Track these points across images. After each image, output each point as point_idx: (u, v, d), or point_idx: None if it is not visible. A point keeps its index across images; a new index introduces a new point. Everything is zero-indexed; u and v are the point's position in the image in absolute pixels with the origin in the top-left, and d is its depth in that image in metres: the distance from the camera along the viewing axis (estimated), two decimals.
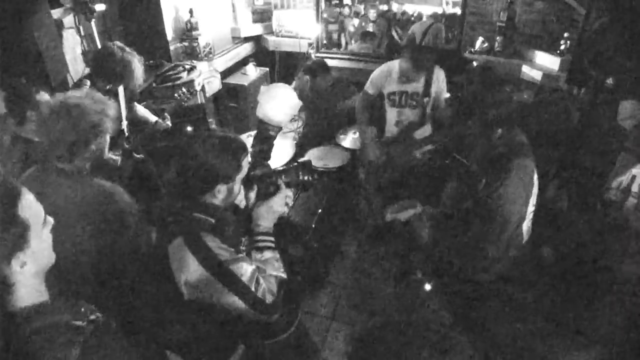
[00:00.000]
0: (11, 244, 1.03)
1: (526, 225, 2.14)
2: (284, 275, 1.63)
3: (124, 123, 3.02)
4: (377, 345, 2.75)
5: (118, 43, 2.83)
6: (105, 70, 2.75)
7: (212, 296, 1.46)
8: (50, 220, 1.17)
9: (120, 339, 1.23)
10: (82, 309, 1.16)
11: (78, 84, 2.83)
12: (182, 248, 1.45)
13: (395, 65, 3.37)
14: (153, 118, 3.39)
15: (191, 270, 1.43)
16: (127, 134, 3.00)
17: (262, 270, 1.57)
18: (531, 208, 2.11)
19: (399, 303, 3.05)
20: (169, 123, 3.40)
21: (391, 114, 3.49)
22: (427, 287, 3.17)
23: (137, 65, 2.83)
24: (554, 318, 2.24)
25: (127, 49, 2.83)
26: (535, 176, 2.06)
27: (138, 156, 2.91)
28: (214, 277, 1.44)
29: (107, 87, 2.81)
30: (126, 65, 2.76)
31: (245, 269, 1.49)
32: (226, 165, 1.56)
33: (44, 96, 2.39)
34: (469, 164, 2.30)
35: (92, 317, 1.16)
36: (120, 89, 2.97)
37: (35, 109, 2.28)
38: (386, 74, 3.39)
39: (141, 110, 3.40)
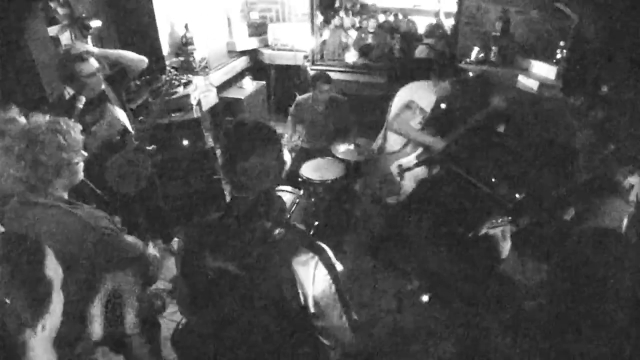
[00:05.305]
0: (37, 306, 0.93)
1: None
2: None
3: (127, 123, 2.92)
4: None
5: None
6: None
7: (331, 309, 1.34)
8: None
9: None
10: None
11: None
12: (311, 261, 1.30)
13: (414, 92, 3.23)
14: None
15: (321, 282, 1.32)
16: (133, 132, 2.94)
17: None
18: None
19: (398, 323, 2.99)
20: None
21: None
22: (425, 298, 3.14)
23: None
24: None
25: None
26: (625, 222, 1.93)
27: (150, 148, 2.91)
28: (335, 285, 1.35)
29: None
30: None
31: None
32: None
33: (12, 111, 2.31)
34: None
35: None
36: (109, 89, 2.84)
37: None
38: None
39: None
